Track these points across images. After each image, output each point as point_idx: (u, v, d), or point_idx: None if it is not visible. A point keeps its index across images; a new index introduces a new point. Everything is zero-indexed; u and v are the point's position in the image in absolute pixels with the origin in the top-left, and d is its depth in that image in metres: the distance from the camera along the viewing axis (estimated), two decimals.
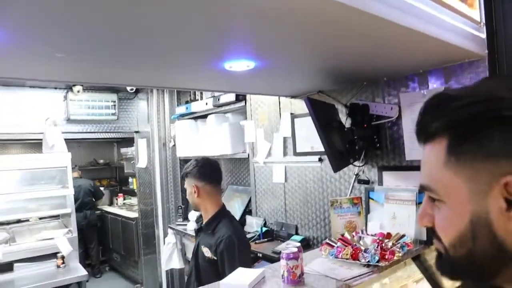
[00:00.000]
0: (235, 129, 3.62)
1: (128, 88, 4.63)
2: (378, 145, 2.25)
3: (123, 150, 7.04)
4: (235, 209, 3.69)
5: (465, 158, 0.58)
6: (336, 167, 1.90)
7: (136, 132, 5.24)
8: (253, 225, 3.33)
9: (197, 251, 2.19)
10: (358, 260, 1.75)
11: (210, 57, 1.63)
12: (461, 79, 1.91)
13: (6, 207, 4.03)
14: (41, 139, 4.51)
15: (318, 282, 1.61)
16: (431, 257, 2.12)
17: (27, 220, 4.67)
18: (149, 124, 4.97)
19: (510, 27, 1.79)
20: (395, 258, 1.74)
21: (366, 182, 2.36)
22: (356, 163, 2.31)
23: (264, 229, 3.12)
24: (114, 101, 4.89)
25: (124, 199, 7.24)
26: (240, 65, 1.69)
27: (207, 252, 2.09)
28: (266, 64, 1.77)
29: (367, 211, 2.29)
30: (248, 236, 3.10)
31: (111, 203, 7.43)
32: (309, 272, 1.72)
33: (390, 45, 1.60)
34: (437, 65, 1.96)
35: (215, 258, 2.02)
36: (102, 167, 8.10)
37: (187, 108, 4.26)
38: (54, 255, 3.83)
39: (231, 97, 3.51)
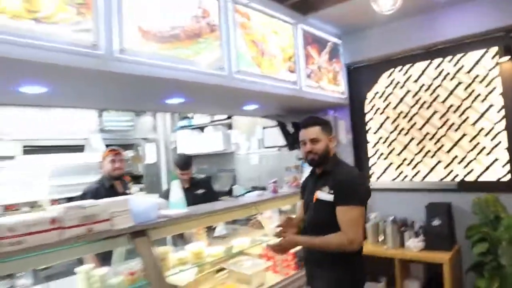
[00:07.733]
0: (224, 135, 6.03)
1: None
2: None
3: None
4: (225, 184, 6.06)
5: None
6: (290, 148, 4.43)
7: (144, 138, 7.40)
8: (237, 191, 5.71)
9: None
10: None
11: None
12: (340, 112, 4.53)
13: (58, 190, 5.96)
14: (80, 145, 6.51)
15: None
16: None
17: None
18: (155, 133, 7.18)
19: (354, 93, 4.45)
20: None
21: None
22: (297, 150, 4.84)
23: (245, 191, 5.54)
24: (132, 117, 7.02)
25: None
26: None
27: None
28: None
29: (301, 172, 4.81)
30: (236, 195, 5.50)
31: None
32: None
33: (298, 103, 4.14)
34: (329, 107, 4.56)
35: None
36: None
37: (189, 122, 6.59)
38: None
39: (224, 116, 5.93)
